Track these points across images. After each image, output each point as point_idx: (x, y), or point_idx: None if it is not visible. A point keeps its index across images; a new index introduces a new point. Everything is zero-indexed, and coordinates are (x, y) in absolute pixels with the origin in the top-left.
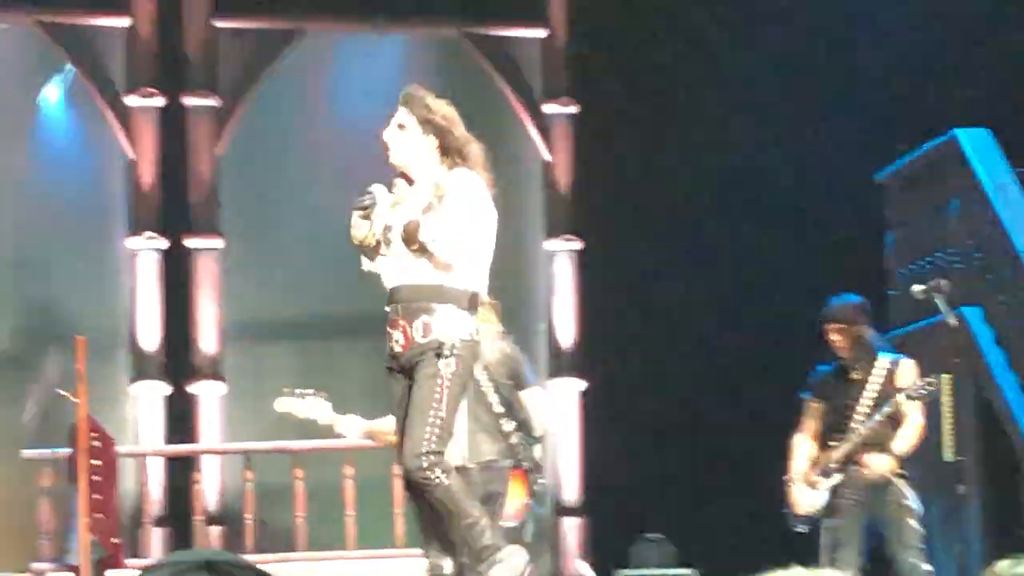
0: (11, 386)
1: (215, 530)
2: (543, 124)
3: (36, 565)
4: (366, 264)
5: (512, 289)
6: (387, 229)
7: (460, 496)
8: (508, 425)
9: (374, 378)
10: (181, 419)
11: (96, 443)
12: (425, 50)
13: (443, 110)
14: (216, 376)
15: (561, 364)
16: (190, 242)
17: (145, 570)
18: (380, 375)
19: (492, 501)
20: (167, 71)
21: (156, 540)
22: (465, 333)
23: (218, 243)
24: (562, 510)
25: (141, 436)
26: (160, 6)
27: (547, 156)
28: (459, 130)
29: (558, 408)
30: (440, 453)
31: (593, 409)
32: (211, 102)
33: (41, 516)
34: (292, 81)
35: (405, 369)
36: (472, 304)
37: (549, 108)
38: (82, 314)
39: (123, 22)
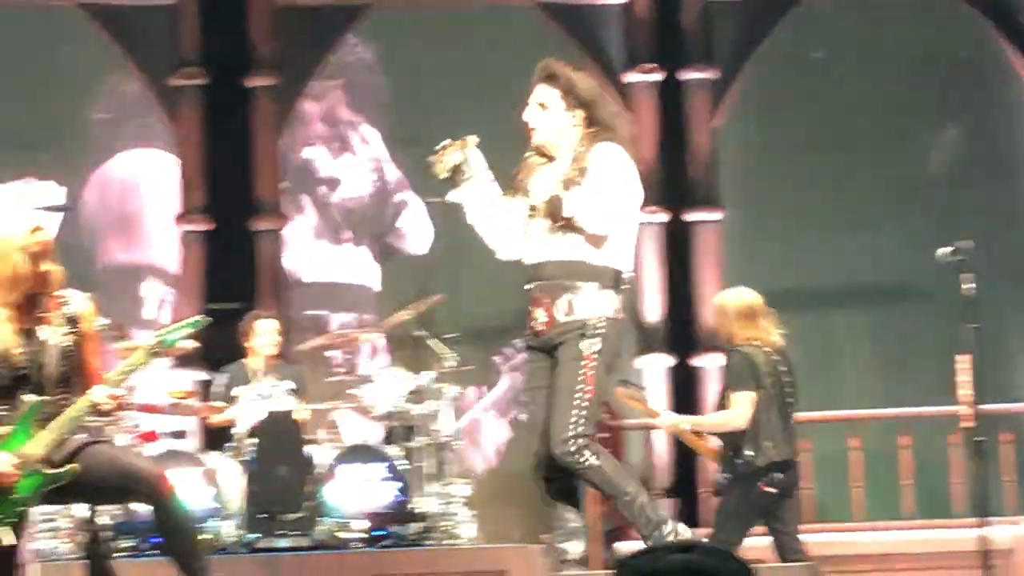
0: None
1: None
2: None
3: (546, 536)
4: (452, 194)
5: None
6: (531, 208)
7: (613, 475)
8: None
9: (875, 351)
10: (685, 391)
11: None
12: (925, 12)
13: (586, 82)
14: (720, 348)
15: None
16: (690, 215)
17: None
18: (879, 349)
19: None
20: (664, 46)
21: (663, 511)
22: (609, 311)
23: (718, 215)
24: None
25: None
26: None
27: None
28: (604, 102)
29: None
30: (588, 436)
31: None
32: (708, 75)
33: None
34: (788, 50)
35: (547, 349)
36: (616, 281)
37: None
38: None
39: None
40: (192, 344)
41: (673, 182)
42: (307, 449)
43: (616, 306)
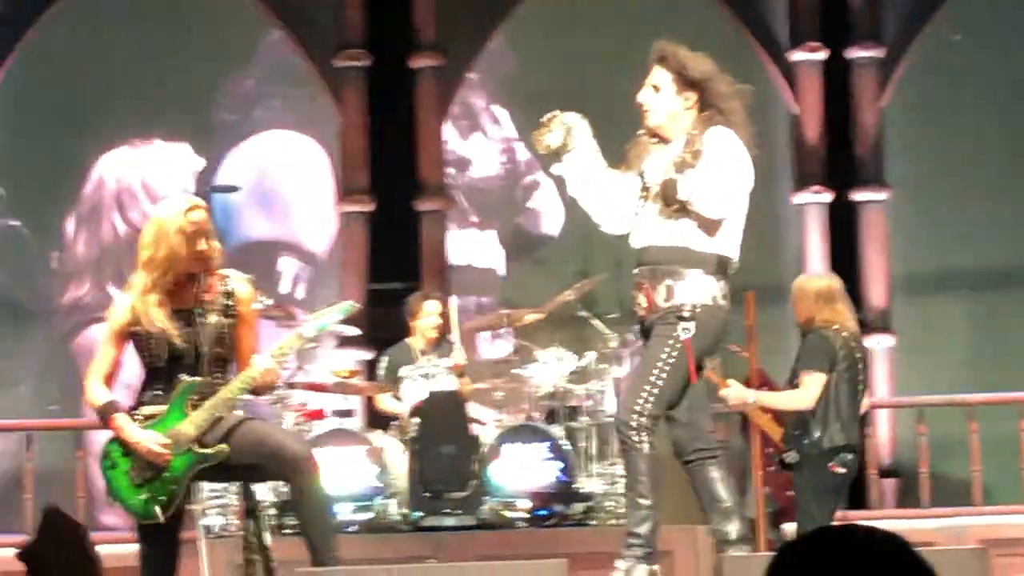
0: None
1: (889, 483)
2: None
3: (703, 518)
4: (556, 166)
5: None
6: (642, 190)
7: (647, 475)
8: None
9: None
10: None
11: None
12: None
13: (701, 64)
14: (885, 329)
15: None
16: (856, 195)
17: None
18: None
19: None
20: (829, 24)
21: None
22: (708, 298)
23: (884, 195)
24: None
25: None
26: None
27: None
28: (719, 84)
29: None
30: (654, 418)
31: None
32: (875, 53)
33: None
34: (955, 27)
35: (648, 333)
36: (721, 268)
37: None
38: (751, 269)
39: None
40: (352, 330)
41: (838, 161)
42: (472, 428)
43: (716, 293)
